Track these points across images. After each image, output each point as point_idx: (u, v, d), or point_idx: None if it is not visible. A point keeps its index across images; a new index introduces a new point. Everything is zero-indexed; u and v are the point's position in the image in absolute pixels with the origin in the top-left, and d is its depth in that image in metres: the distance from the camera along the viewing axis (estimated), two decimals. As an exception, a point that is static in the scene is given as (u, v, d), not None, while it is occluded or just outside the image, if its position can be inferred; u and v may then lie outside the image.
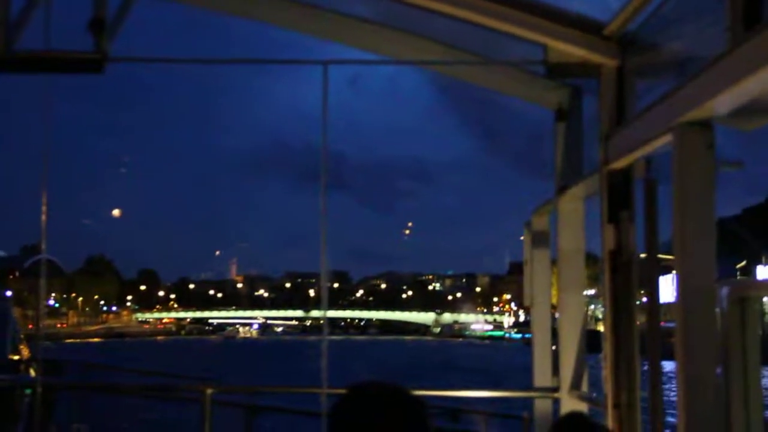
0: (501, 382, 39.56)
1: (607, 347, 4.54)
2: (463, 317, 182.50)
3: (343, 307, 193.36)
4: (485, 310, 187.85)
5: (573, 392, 5.41)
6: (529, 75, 5.42)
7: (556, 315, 5.70)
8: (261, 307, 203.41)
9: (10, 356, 11.96)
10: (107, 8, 4.65)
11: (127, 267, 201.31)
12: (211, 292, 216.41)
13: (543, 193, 6.01)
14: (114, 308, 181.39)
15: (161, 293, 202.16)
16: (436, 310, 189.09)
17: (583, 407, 5.06)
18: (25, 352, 12.58)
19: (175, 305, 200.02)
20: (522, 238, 6.38)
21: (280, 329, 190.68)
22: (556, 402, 5.62)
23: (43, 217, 5.29)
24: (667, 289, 3.80)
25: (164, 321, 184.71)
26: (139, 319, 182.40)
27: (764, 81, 2.88)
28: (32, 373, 11.14)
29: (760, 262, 77.36)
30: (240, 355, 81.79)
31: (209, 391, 6.50)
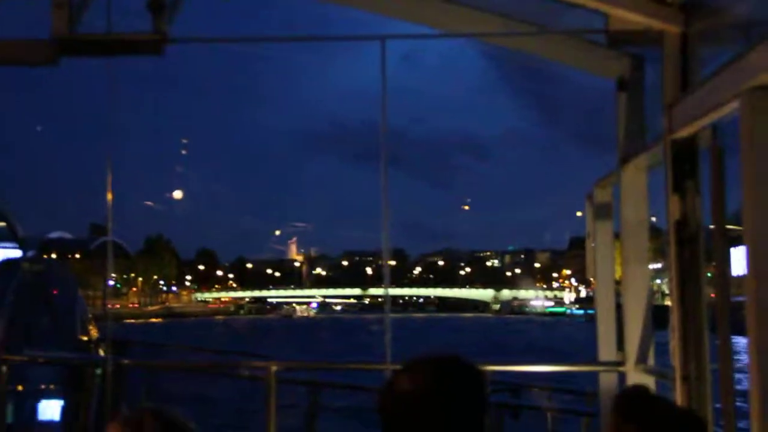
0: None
1: (674, 320, 4.52)
2: (522, 293, 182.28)
3: (401, 285, 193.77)
4: (545, 286, 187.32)
5: (639, 366, 5.40)
6: (590, 44, 5.41)
7: (620, 290, 5.69)
8: (319, 286, 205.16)
9: (81, 336, 12.22)
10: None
11: (185, 247, 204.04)
12: (269, 271, 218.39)
13: (603, 166, 5.99)
14: (174, 288, 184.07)
15: (219, 273, 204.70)
16: (495, 287, 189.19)
17: (650, 381, 5.04)
18: (94, 332, 12.86)
19: (234, 285, 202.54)
20: (582, 212, 6.37)
21: (338, 307, 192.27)
22: (622, 377, 5.61)
23: (109, 197, 5.40)
24: (738, 261, 3.77)
25: (223, 300, 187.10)
26: (198, 299, 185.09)
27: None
28: (101, 352, 11.39)
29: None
30: (300, 333, 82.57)
31: (274, 368, 6.61)
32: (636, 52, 5.28)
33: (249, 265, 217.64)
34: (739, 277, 4.06)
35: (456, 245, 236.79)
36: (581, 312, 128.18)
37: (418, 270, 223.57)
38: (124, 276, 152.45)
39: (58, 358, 10.34)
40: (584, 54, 5.58)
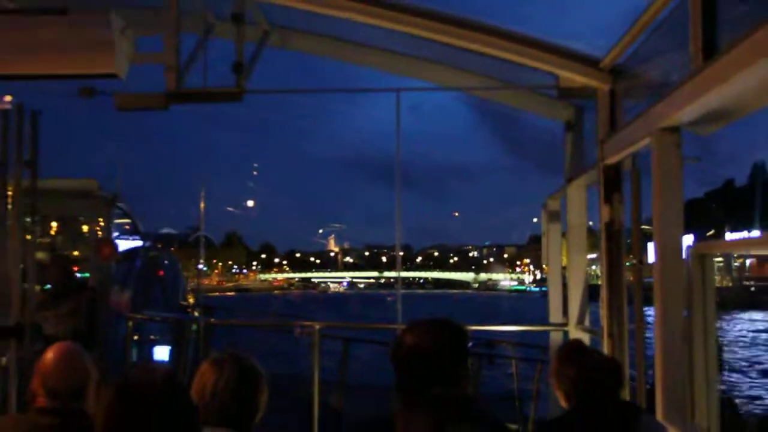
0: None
1: (603, 294, 4.53)
2: (494, 276, 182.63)
3: (407, 270, 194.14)
4: (510, 271, 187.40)
5: (578, 326, 5.40)
6: (545, 97, 5.39)
7: (566, 273, 5.70)
8: (348, 270, 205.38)
9: (181, 303, 12.32)
10: (244, 55, 4.77)
11: (252, 241, 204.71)
12: (312, 258, 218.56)
13: (554, 185, 5.99)
14: (244, 271, 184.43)
15: (276, 260, 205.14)
16: (475, 271, 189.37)
17: (585, 337, 5.07)
18: (191, 299, 12.95)
19: (287, 268, 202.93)
20: (537, 219, 6.38)
21: (362, 285, 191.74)
22: (566, 334, 5.61)
23: (202, 205, 5.47)
24: (650, 253, 3.78)
25: (279, 280, 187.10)
26: (261, 279, 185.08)
27: (719, 98, 2.86)
28: (196, 314, 11.44)
29: (724, 232, 76.14)
30: (335, 303, 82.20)
31: (317, 326, 6.59)
32: (578, 103, 5.26)
33: (297, 255, 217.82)
34: (650, 264, 4.10)
35: (447, 241, 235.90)
36: (537, 289, 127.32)
37: (419, 259, 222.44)
38: (209, 262, 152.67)
39: (167, 317, 10.47)
40: (541, 104, 5.54)
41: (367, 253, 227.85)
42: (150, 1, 4.70)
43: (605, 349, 4.42)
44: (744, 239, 3.73)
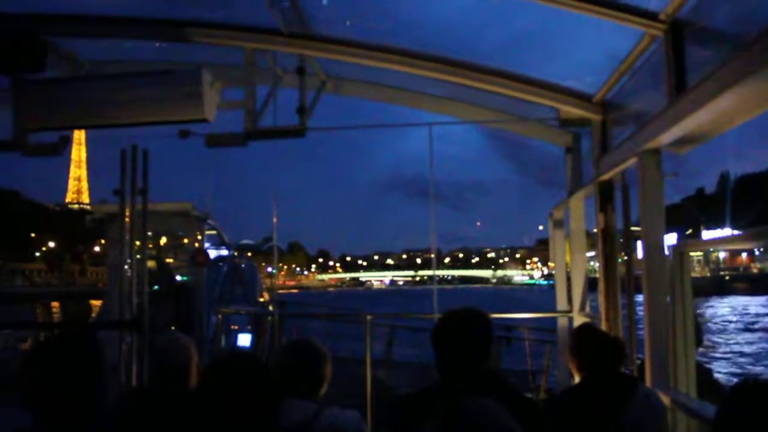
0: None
1: (600, 286, 4.49)
2: (509, 273, 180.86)
3: (438, 269, 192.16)
4: (522, 268, 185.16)
5: (580, 313, 5.36)
6: (549, 126, 5.36)
7: (569, 269, 5.64)
8: (390, 270, 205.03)
9: (259, 299, 12.40)
10: (306, 99, 4.86)
11: (311, 247, 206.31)
12: (359, 261, 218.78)
13: (557, 197, 5.94)
14: (305, 272, 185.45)
15: (331, 263, 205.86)
16: (492, 269, 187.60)
17: (587, 321, 5.02)
18: (266, 296, 13.03)
19: (339, 269, 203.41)
20: (543, 226, 6.32)
21: (401, 282, 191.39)
22: (570, 320, 5.57)
23: (274, 220, 5.55)
24: (638, 250, 3.75)
25: (333, 279, 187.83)
26: (319, 278, 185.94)
27: (691, 125, 2.85)
28: (271, 308, 11.53)
29: (700, 230, 74.32)
30: (380, 298, 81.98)
31: (369, 317, 6.56)
32: (576, 130, 5.21)
33: (348, 258, 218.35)
34: (639, 259, 4.07)
35: (469, 244, 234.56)
36: (545, 282, 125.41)
37: (447, 259, 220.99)
38: (276, 265, 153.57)
39: (248, 311, 10.60)
40: (545, 132, 5.47)
41: (404, 256, 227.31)
42: (234, 60, 4.81)
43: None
44: (716, 239, 3.63)
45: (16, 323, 12.01)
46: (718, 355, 24.86)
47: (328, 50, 4.65)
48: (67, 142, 4.86)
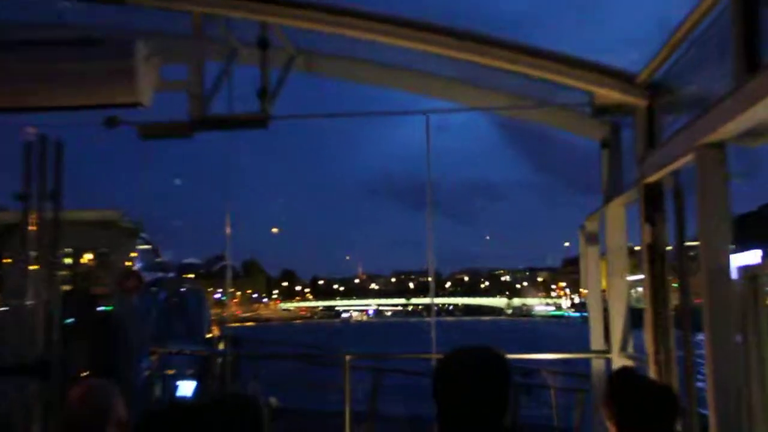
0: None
1: (647, 317, 4.48)
2: (528, 301, 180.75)
3: (436, 296, 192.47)
4: (545, 295, 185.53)
5: (622, 353, 5.36)
6: (580, 115, 5.40)
7: (606, 296, 5.65)
8: (374, 296, 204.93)
9: (207, 335, 12.37)
10: (269, 81, 4.84)
11: (274, 268, 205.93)
12: (335, 286, 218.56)
13: (590, 204, 5.96)
14: (264, 299, 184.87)
15: (298, 288, 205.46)
16: (507, 296, 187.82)
17: (629, 364, 5.02)
18: (216, 331, 13.00)
19: (309, 296, 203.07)
20: (569, 243, 6.34)
21: (389, 313, 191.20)
22: (608, 362, 5.56)
23: (228, 231, 5.51)
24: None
25: (302, 309, 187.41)
26: (282, 308, 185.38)
27: (766, 110, 2.87)
28: (221, 346, 11.49)
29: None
30: (362, 333, 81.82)
31: (348, 357, 6.59)
32: (615, 120, 5.24)
33: (320, 282, 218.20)
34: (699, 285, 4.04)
35: (477, 265, 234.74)
36: (577, 315, 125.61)
37: (448, 284, 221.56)
38: (227, 290, 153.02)
39: (192, 351, 10.48)
40: (573, 122, 5.52)
41: (393, 279, 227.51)
42: (176, 29, 4.79)
43: (651, 375, 4.37)
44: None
45: None
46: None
47: (299, 16, 4.65)
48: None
